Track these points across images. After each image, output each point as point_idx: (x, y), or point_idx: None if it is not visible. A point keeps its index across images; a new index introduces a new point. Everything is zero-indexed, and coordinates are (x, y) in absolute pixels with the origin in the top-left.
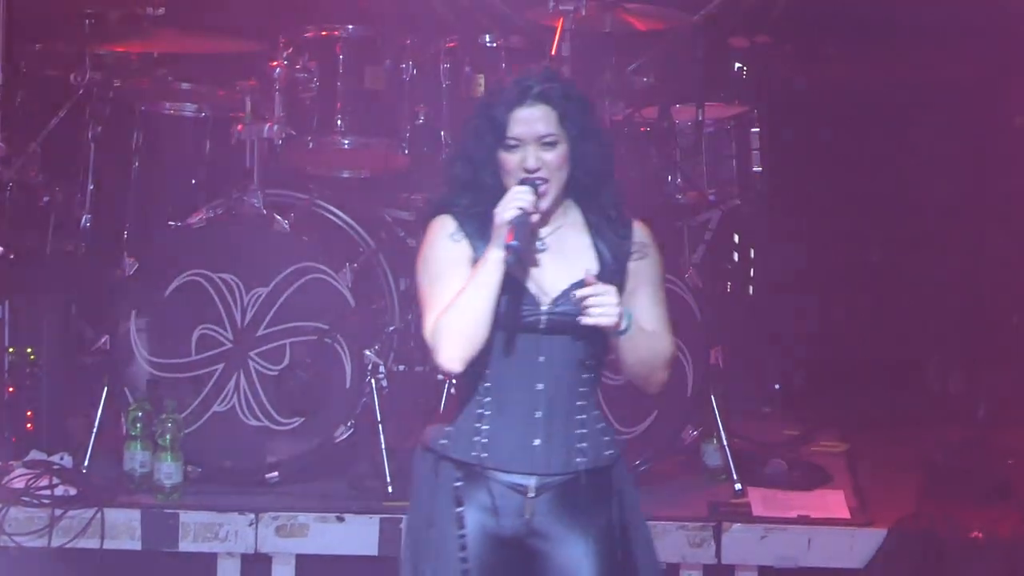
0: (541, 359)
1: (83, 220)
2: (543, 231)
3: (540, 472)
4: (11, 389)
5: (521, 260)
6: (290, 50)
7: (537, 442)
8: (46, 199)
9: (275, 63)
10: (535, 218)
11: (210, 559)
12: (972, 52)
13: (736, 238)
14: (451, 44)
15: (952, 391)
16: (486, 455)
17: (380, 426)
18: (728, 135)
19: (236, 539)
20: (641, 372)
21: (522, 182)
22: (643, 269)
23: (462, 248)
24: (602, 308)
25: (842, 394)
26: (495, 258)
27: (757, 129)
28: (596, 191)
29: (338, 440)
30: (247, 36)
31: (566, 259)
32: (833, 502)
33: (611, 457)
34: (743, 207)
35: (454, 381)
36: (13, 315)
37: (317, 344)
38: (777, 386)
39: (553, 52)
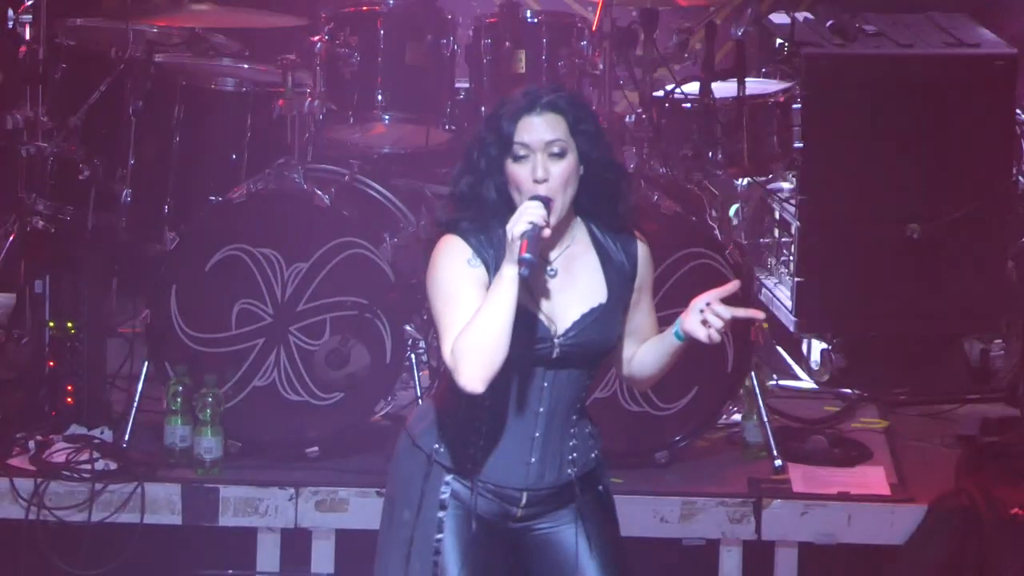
0: (545, 385)
1: (124, 195)
2: (551, 254)
3: (532, 488)
4: (51, 363)
5: (533, 277)
6: (331, 25)
7: (532, 460)
8: (87, 173)
9: (316, 38)
10: (546, 233)
11: (250, 533)
12: (1015, 28)
13: (777, 214)
14: (492, 19)
15: (992, 367)
16: (481, 469)
17: (420, 401)
18: (769, 111)
19: (276, 514)
20: (657, 377)
21: (533, 197)
22: (644, 283)
23: (479, 273)
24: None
25: (882, 370)
26: (510, 275)
27: (798, 105)
28: (608, 208)
29: (378, 415)
30: (288, 11)
31: (575, 285)
32: (873, 479)
33: (596, 459)
34: (784, 183)
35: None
36: (54, 289)
37: (357, 319)
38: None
39: (595, 27)
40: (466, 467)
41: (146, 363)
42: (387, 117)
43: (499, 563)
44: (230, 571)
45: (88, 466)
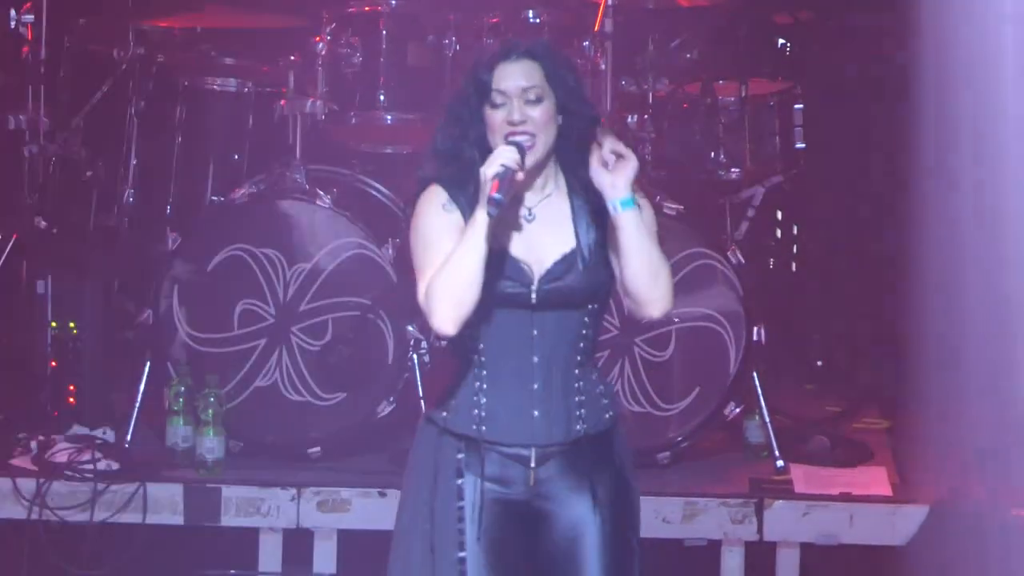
0: (535, 332)
1: (126, 195)
2: (530, 200)
3: (540, 443)
4: (53, 363)
5: (512, 222)
6: (333, 25)
7: (536, 414)
8: (89, 174)
9: (318, 38)
10: (520, 176)
11: (252, 534)
12: None
13: (779, 215)
14: (494, 20)
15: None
16: (485, 428)
17: (423, 402)
18: (771, 111)
19: (278, 514)
20: (644, 274)
21: (508, 142)
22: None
23: (454, 218)
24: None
25: (884, 370)
26: (482, 218)
27: (800, 106)
28: (585, 158)
29: (380, 415)
30: (290, 11)
31: (551, 231)
32: (875, 479)
33: (610, 420)
34: (786, 184)
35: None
36: (56, 290)
37: (359, 319)
38: (819, 363)
39: (596, 28)
40: (472, 429)
41: (148, 363)
42: (389, 117)
43: (513, 539)
44: (232, 571)
45: (90, 466)
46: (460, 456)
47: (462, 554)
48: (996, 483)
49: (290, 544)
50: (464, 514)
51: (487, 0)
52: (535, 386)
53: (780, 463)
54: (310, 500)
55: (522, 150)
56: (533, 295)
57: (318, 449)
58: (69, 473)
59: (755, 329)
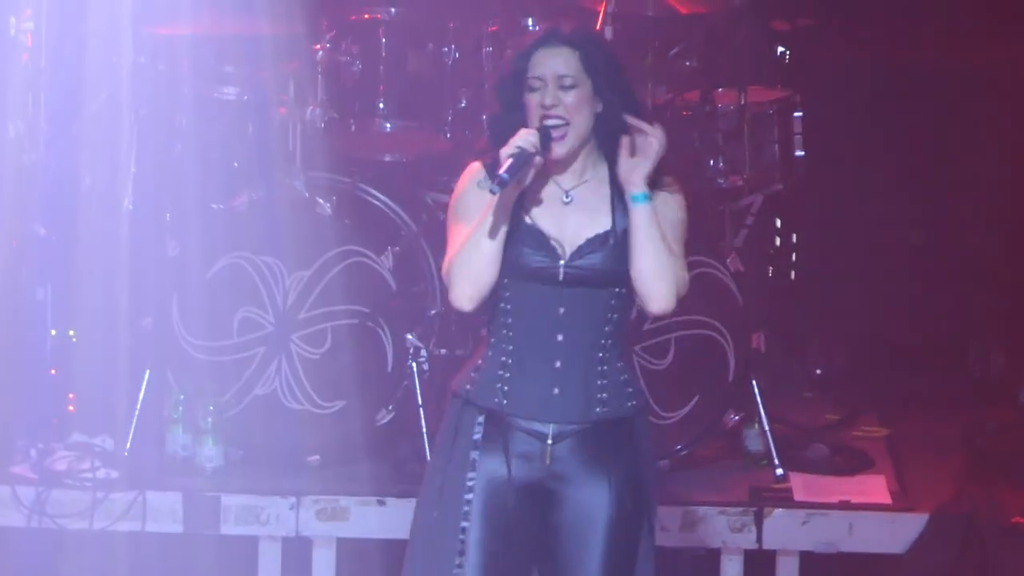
0: (561, 311)
1: (125, 203)
2: (568, 183)
3: (558, 420)
4: (53, 371)
5: (550, 203)
6: (333, 33)
7: (556, 391)
8: (88, 181)
9: (318, 46)
10: (538, 160)
11: (251, 542)
12: (1017, 33)
13: (778, 222)
14: (493, 28)
15: (993, 374)
16: (506, 402)
17: (421, 410)
18: (770, 119)
19: (277, 522)
20: (647, 271)
21: (540, 127)
22: (658, 209)
23: (487, 195)
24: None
25: (883, 378)
26: (502, 198)
27: (800, 113)
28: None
29: (379, 424)
30: (290, 19)
31: (589, 214)
32: (874, 487)
33: (632, 409)
34: (785, 191)
35: (485, 328)
36: (55, 297)
37: (359, 328)
38: (818, 371)
39: None
40: (494, 401)
41: (148, 371)
42: (389, 125)
43: (523, 514)
44: None
45: (90, 474)
46: (478, 428)
47: (465, 524)
48: (995, 491)
49: (289, 552)
50: (475, 487)
51: (486, 8)
52: (557, 364)
53: (779, 471)
54: (309, 508)
55: (547, 136)
56: (561, 271)
57: (317, 457)
58: (69, 481)
59: (754, 337)
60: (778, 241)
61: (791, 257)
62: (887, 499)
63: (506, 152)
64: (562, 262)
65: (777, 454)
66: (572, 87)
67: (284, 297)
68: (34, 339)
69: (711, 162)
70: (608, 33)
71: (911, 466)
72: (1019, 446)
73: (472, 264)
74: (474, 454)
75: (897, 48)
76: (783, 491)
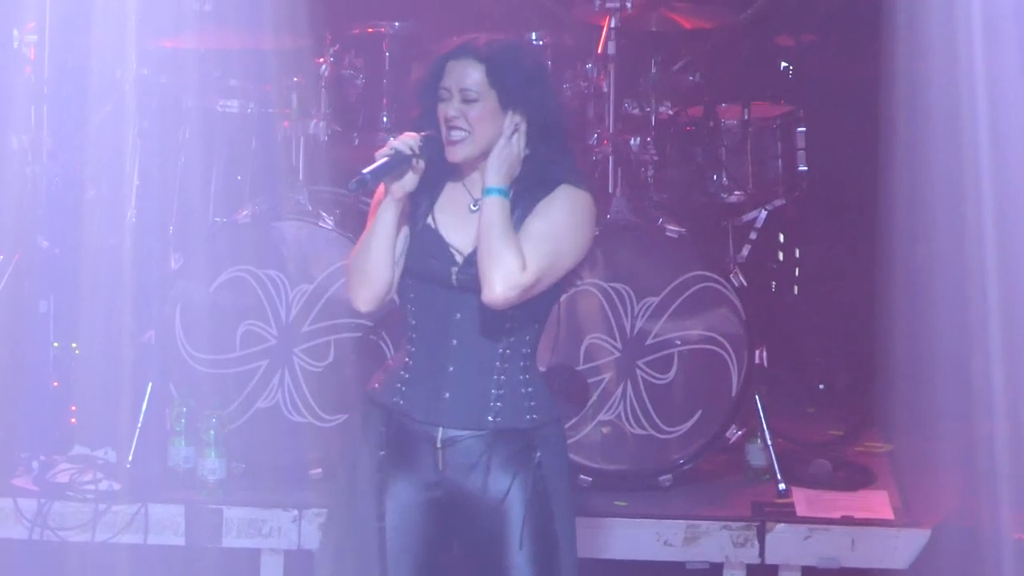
0: (457, 316)
1: (129, 215)
2: (477, 192)
3: (447, 424)
4: (55, 383)
5: (456, 211)
6: (336, 47)
7: (447, 395)
8: (92, 194)
9: (321, 60)
10: (418, 164)
11: (253, 555)
12: None
13: (781, 237)
14: None
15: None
16: (402, 402)
17: None
18: (774, 134)
19: (279, 535)
20: (482, 257)
21: (425, 134)
22: (541, 207)
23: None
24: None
25: (886, 392)
26: (386, 201)
27: (803, 129)
28: (540, 158)
29: None
30: (294, 33)
31: None
32: (877, 503)
33: (531, 422)
34: (788, 206)
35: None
36: (58, 310)
37: (361, 341)
38: (821, 386)
39: (599, 50)
40: (392, 400)
41: (150, 384)
42: (392, 139)
43: (431, 516)
44: None
45: (92, 486)
46: (382, 429)
47: (381, 523)
48: (997, 507)
49: (291, 565)
50: (385, 485)
51: (489, 22)
52: (450, 368)
53: (782, 486)
54: (312, 521)
55: (433, 143)
56: (454, 277)
57: (320, 470)
58: (71, 493)
59: (757, 352)
60: (781, 256)
61: (794, 272)
62: (890, 514)
63: (380, 152)
64: (455, 268)
65: (780, 469)
66: (475, 101)
67: (287, 310)
68: (36, 351)
69: (714, 177)
70: (612, 48)
71: (914, 482)
72: (1021, 462)
73: (363, 265)
74: (382, 453)
75: (899, 64)
76: (786, 506)
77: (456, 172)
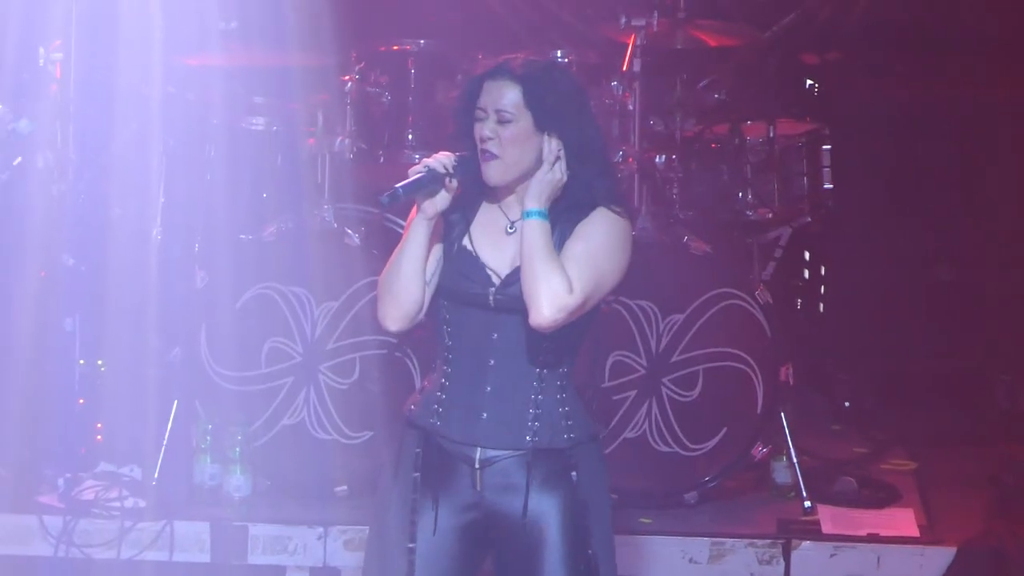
0: (495, 336)
1: (154, 233)
2: (514, 215)
3: (484, 445)
4: (81, 401)
5: (494, 232)
6: (362, 64)
7: (484, 415)
8: (117, 211)
9: (347, 77)
10: (452, 184)
11: (279, 572)
12: None
13: (807, 255)
14: None
15: (1022, 410)
16: (440, 423)
17: None
18: (799, 152)
19: (305, 552)
20: (525, 281)
21: (460, 155)
22: (580, 229)
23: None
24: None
25: (911, 412)
26: (417, 219)
27: (828, 146)
28: (578, 182)
29: None
30: (319, 50)
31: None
32: (902, 520)
33: (569, 441)
34: (814, 224)
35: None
36: (84, 327)
37: (386, 358)
38: (847, 404)
39: (624, 68)
40: (429, 422)
41: (176, 401)
42: (417, 156)
43: (467, 536)
44: None
45: (117, 503)
46: (418, 450)
47: (412, 544)
48: (1022, 524)
49: None
50: (418, 506)
51: (514, 40)
52: (488, 388)
53: (807, 504)
54: (337, 539)
55: (466, 162)
56: (491, 298)
57: (345, 488)
58: (96, 510)
59: (782, 369)
60: (807, 273)
61: (819, 290)
62: (915, 532)
63: (414, 169)
64: (492, 289)
65: (805, 486)
66: (510, 121)
67: (312, 327)
68: (62, 369)
69: (740, 195)
70: (637, 66)
71: (939, 500)
72: None
73: (392, 285)
74: (416, 475)
75: (925, 82)
76: (811, 523)
77: (492, 194)
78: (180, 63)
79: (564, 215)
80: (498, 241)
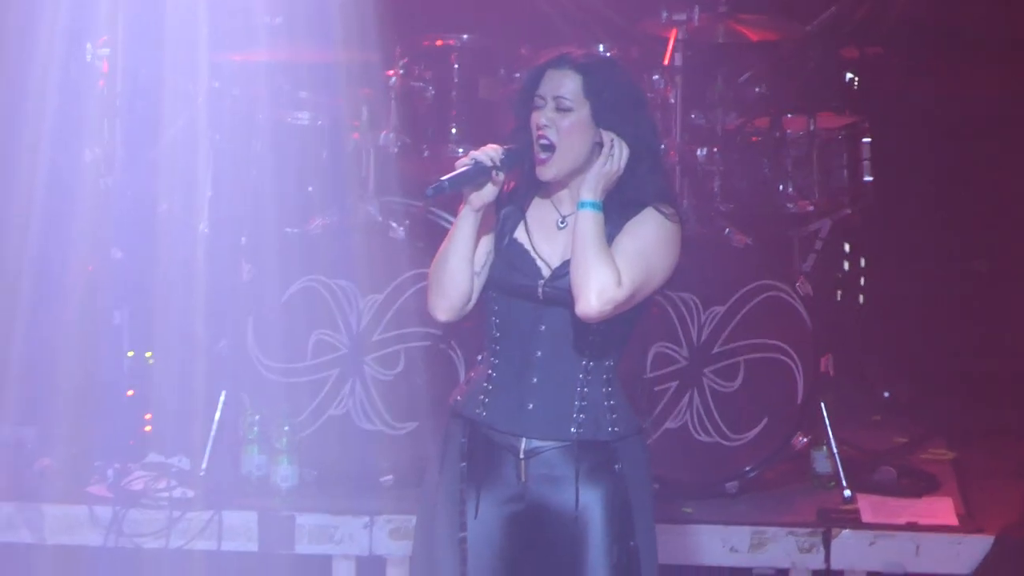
0: (542, 328)
1: (201, 226)
2: (565, 210)
3: (530, 435)
4: (130, 392)
5: (544, 226)
6: (406, 60)
7: (530, 406)
8: (165, 205)
9: (391, 72)
10: (499, 177)
11: (325, 561)
12: None
13: (847, 247)
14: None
15: None
16: (485, 413)
17: None
18: (839, 145)
19: (351, 541)
20: (574, 271)
21: (509, 147)
22: (630, 226)
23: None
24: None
25: (950, 403)
26: (464, 212)
27: (868, 139)
28: (630, 179)
29: None
30: (364, 46)
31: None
32: (941, 509)
33: (613, 434)
34: (854, 217)
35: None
36: (132, 320)
37: (431, 350)
38: (886, 394)
39: (666, 62)
40: (475, 412)
41: (223, 392)
42: (461, 150)
43: (510, 526)
44: None
45: (166, 494)
46: (464, 440)
47: (463, 534)
48: None
49: (363, 571)
50: (466, 495)
51: (557, 34)
52: (534, 380)
53: (847, 493)
54: (383, 528)
55: (516, 157)
56: (540, 290)
57: (391, 477)
58: (145, 500)
59: (822, 360)
60: (847, 265)
61: (859, 281)
62: (954, 521)
63: (461, 162)
64: (542, 281)
65: (845, 476)
66: (568, 110)
67: (358, 319)
68: (111, 361)
69: (780, 187)
70: (678, 60)
71: (977, 490)
72: None
73: (440, 277)
74: (463, 465)
75: (963, 78)
76: (851, 512)
77: (544, 189)
78: (226, 59)
79: (615, 212)
80: (549, 235)
